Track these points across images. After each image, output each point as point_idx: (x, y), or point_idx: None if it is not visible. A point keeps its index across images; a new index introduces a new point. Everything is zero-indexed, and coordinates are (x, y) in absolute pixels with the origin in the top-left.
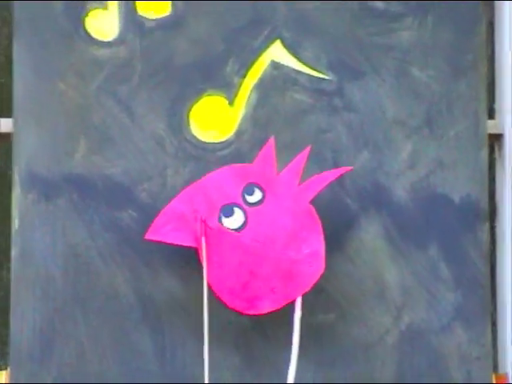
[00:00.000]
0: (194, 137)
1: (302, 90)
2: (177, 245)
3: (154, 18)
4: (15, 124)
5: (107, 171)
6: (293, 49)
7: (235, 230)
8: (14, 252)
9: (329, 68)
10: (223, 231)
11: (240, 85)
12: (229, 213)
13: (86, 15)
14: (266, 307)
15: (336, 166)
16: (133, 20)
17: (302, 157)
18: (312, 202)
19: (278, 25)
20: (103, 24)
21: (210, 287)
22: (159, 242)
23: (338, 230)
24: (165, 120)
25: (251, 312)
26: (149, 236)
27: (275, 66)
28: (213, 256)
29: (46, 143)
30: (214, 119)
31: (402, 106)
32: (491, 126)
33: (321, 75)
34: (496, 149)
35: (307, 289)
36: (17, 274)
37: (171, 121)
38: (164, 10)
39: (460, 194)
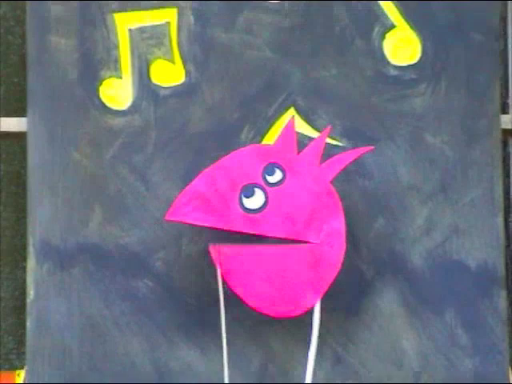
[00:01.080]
0: None
1: None
2: (197, 225)
3: (168, 86)
4: (30, 194)
5: (122, 240)
6: (307, 116)
7: (256, 210)
8: (29, 323)
9: (343, 135)
10: (238, 249)
11: None
12: (249, 193)
13: (101, 84)
14: (311, 300)
15: (351, 233)
16: (147, 88)
17: (323, 137)
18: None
19: (293, 92)
20: (118, 93)
21: (252, 308)
22: (182, 222)
23: (354, 296)
24: (180, 188)
25: (301, 311)
26: (169, 217)
27: None
28: (238, 277)
29: (61, 213)
30: None
31: (416, 172)
32: (505, 121)
33: (335, 142)
34: (510, 144)
35: (338, 269)
36: (32, 345)
37: None
38: (178, 79)
39: (477, 260)
